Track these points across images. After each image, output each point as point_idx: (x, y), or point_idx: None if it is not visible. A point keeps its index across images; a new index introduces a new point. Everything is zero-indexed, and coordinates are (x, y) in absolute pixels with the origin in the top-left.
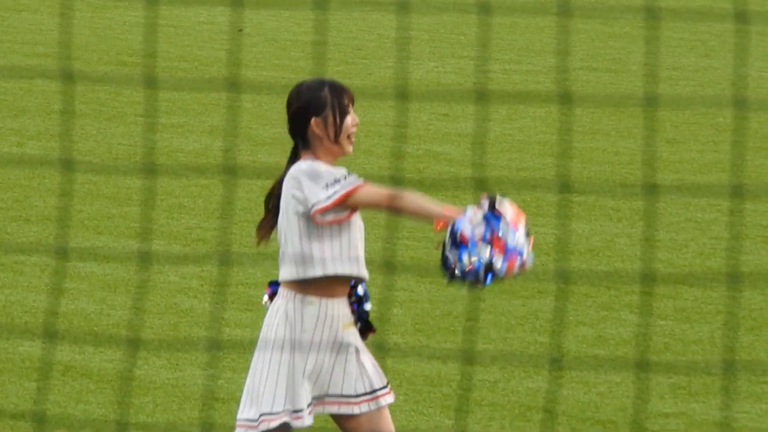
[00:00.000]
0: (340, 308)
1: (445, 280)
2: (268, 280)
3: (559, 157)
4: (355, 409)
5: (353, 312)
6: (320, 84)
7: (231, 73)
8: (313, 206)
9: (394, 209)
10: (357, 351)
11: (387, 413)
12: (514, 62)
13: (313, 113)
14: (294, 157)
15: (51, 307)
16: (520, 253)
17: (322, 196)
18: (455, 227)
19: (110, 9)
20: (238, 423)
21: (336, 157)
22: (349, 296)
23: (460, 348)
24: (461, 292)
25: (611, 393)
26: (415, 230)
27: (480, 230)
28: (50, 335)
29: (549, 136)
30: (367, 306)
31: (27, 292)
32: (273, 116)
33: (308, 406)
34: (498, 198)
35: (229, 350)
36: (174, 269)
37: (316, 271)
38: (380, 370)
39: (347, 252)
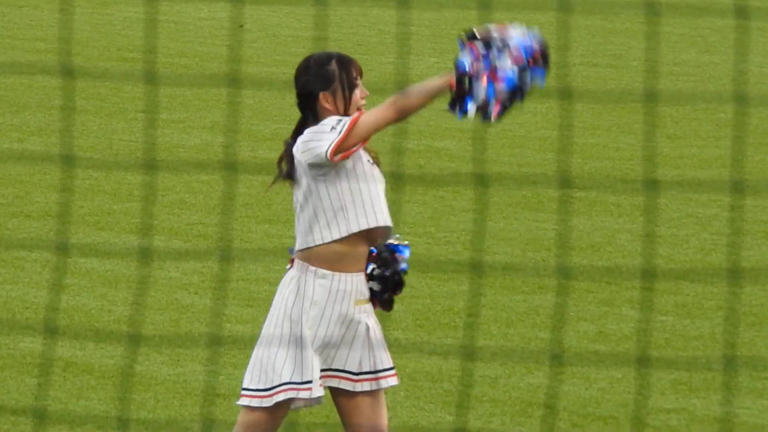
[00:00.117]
0: (353, 283)
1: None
2: (269, 276)
3: (560, 153)
4: (357, 386)
5: (380, 278)
6: (328, 57)
7: (232, 69)
8: (327, 150)
9: (402, 113)
10: (367, 328)
11: (383, 403)
12: None
13: (321, 87)
14: (301, 128)
15: (52, 302)
16: (525, 50)
17: (333, 136)
18: (460, 66)
19: (111, 5)
20: (242, 393)
21: None
22: (375, 259)
23: (460, 344)
24: (462, 288)
25: (612, 389)
26: (415, 226)
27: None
28: (51, 331)
29: (550, 132)
30: (399, 266)
31: (28, 287)
32: (274, 112)
33: (319, 378)
34: (474, 29)
35: (229, 346)
36: (175, 265)
37: (332, 233)
38: (387, 353)
39: (370, 204)
